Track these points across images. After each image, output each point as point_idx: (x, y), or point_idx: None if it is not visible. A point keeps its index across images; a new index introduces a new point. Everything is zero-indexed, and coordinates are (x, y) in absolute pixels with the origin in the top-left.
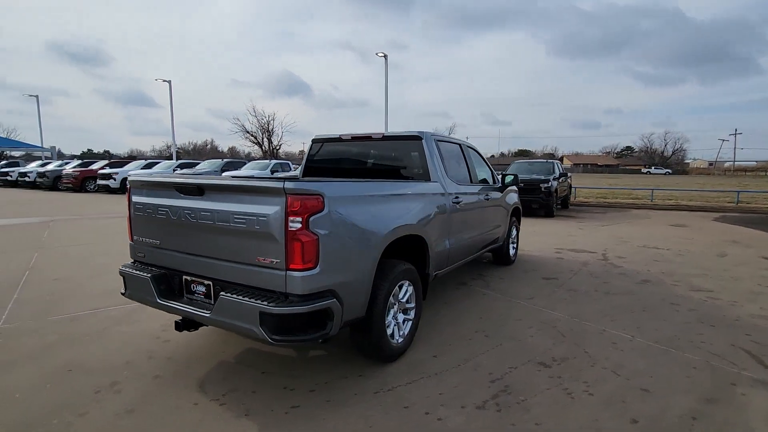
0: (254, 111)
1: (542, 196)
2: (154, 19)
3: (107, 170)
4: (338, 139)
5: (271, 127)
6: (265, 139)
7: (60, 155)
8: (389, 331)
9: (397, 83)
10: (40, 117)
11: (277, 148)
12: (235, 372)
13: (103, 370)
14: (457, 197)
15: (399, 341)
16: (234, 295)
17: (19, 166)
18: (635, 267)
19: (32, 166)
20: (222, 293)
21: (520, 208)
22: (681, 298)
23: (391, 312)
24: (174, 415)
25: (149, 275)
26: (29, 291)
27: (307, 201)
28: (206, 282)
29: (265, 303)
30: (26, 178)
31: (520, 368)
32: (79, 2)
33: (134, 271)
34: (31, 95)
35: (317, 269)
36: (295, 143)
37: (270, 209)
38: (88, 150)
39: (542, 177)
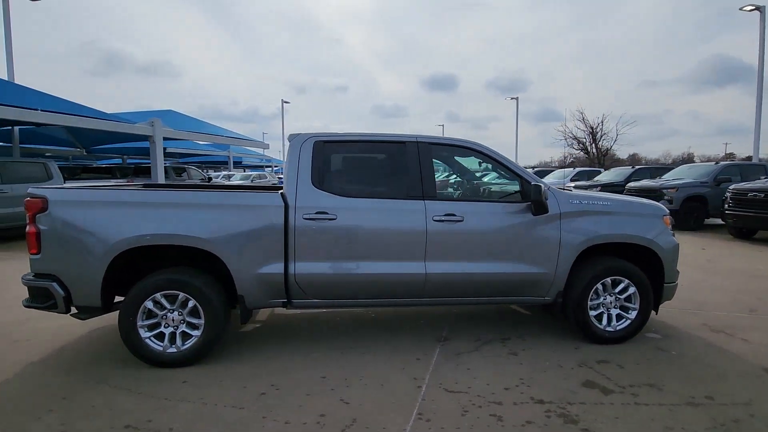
0: (582, 116)
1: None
2: (569, 40)
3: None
4: None
5: (598, 130)
6: (592, 145)
7: None
8: (146, 334)
9: None
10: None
11: (604, 153)
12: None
13: None
14: (322, 212)
15: (171, 350)
16: None
17: None
18: None
19: None
20: None
21: (660, 249)
22: None
23: (157, 318)
24: None
25: None
26: None
27: (33, 202)
28: None
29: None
30: None
31: None
32: (507, 47)
33: None
34: (438, 125)
35: (39, 256)
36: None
37: None
38: None
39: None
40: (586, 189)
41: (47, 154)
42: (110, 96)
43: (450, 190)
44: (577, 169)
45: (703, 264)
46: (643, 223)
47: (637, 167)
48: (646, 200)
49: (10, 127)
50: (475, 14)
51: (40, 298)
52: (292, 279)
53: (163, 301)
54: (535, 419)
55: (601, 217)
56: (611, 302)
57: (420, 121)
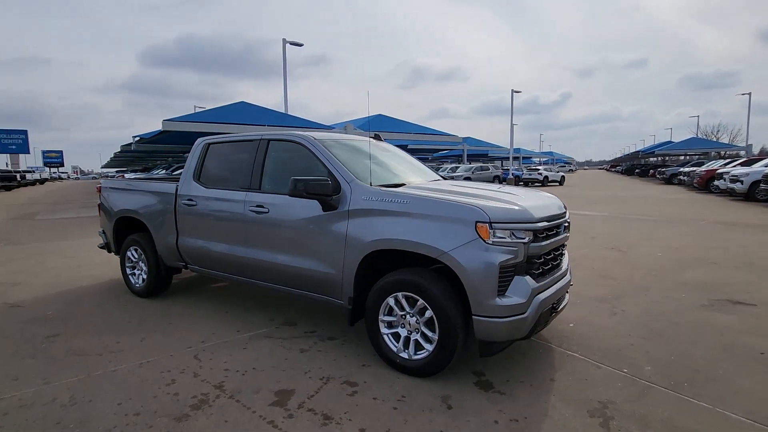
0: None
1: None
2: None
3: (735, 170)
4: None
5: None
6: None
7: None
8: (129, 272)
9: None
10: (749, 117)
11: None
12: None
13: None
14: (191, 199)
15: (137, 285)
16: None
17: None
18: None
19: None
20: None
21: (457, 265)
22: None
23: (132, 263)
24: None
25: None
26: None
27: (98, 187)
28: None
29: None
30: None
31: None
32: None
33: None
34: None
35: (100, 218)
36: None
37: None
38: None
39: None
40: None
41: None
42: (414, 103)
43: (275, 183)
44: None
45: None
46: (439, 230)
47: None
48: (461, 201)
49: None
50: None
51: (102, 242)
52: (179, 249)
53: (133, 252)
54: (179, 393)
55: (392, 217)
56: (413, 324)
57: (759, 88)
